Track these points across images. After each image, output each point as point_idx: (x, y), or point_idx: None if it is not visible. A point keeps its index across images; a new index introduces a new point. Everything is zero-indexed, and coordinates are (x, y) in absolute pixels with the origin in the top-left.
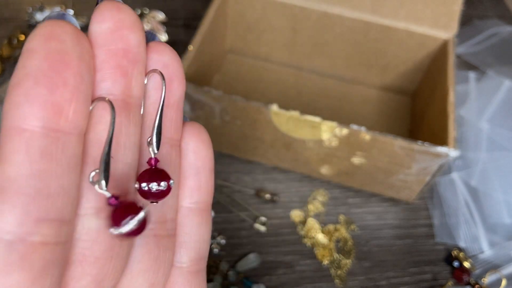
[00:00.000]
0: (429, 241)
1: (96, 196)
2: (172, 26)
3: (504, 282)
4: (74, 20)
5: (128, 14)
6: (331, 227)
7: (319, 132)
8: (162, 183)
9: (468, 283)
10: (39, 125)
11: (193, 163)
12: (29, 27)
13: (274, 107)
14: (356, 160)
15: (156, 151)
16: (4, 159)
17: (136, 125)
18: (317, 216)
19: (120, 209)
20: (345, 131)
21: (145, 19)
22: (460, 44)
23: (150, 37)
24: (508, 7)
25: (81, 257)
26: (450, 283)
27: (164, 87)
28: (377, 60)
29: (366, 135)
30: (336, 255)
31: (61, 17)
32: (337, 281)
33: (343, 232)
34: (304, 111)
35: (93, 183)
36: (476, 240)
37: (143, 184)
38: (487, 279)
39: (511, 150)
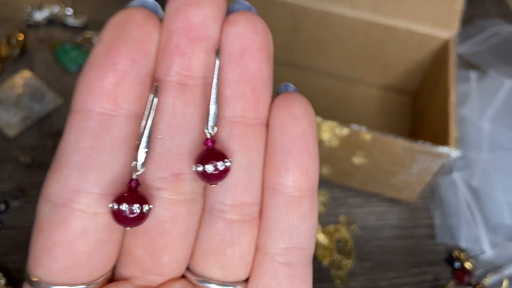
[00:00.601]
0: (430, 241)
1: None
2: None
3: (505, 283)
4: (153, 4)
5: None
6: (331, 227)
7: (319, 132)
8: (218, 164)
9: (469, 284)
10: (87, 108)
11: (278, 140)
12: (28, 26)
13: None
14: (357, 160)
15: (210, 131)
16: (63, 137)
17: (195, 105)
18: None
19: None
20: (345, 131)
21: None
22: (461, 43)
23: (238, 7)
24: (510, 7)
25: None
26: (451, 284)
27: (216, 62)
28: (377, 60)
29: (366, 135)
30: (336, 256)
31: (141, 3)
32: (337, 281)
33: (343, 232)
34: None
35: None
36: (477, 241)
37: (199, 167)
38: (488, 280)
39: None
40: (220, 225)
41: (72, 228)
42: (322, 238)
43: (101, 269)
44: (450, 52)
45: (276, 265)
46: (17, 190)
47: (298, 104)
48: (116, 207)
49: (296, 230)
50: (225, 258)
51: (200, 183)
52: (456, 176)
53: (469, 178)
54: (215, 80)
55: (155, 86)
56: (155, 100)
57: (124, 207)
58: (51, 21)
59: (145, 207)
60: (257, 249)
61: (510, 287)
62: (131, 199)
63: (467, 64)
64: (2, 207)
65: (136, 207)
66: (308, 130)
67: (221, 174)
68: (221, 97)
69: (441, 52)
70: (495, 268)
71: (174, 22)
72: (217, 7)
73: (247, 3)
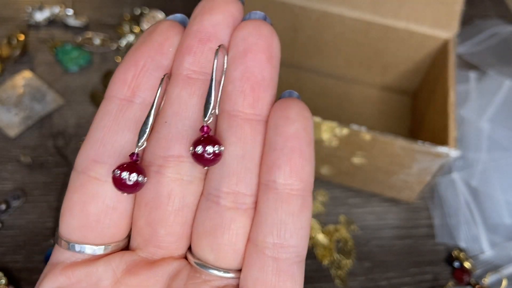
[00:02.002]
0: (430, 241)
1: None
2: None
3: (504, 283)
4: (180, 17)
5: (214, 2)
6: (331, 227)
7: (319, 132)
8: (208, 147)
9: (469, 284)
10: (111, 95)
11: (272, 139)
12: (29, 27)
13: None
14: (357, 160)
15: (205, 119)
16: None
17: (198, 97)
18: (317, 216)
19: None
20: (345, 131)
21: (145, 19)
22: (460, 43)
23: (253, 16)
24: (509, 7)
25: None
26: (450, 283)
27: (215, 59)
28: (377, 60)
29: (366, 135)
30: (336, 256)
31: (171, 18)
32: (337, 281)
33: (343, 232)
34: None
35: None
36: (476, 241)
37: (191, 148)
38: (488, 280)
39: None
40: (213, 210)
41: (86, 191)
42: (322, 238)
43: (109, 234)
44: (450, 52)
45: (264, 258)
46: (17, 190)
47: (294, 107)
48: (115, 173)
49: (284, 226)
50: (215, 241)
51: (200, 169)
52: (456, 176)
53: (469, 178)
54: (213, 75)
55: (162, 77)
56: (161, 89)
57: (117, 173)
58: (52, 22)
59: (134, 176)
60: (249, 240)
61: (509, 287)
62: (128, 169)
63: (466, 64)
64: (3, 207)
65: (126, 174)
66: (302, 132)
67: (212, 158)
68: (224, 92)
69: (441, 52)
70: (494, 267)
71: (190, 26)
72: (229, 13)
73: (262, 14)
